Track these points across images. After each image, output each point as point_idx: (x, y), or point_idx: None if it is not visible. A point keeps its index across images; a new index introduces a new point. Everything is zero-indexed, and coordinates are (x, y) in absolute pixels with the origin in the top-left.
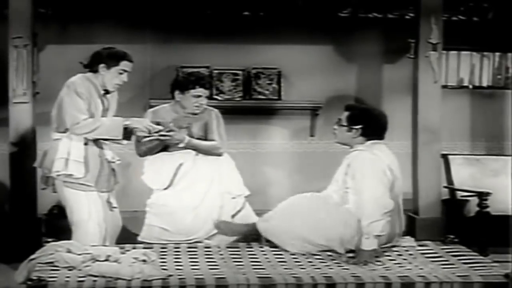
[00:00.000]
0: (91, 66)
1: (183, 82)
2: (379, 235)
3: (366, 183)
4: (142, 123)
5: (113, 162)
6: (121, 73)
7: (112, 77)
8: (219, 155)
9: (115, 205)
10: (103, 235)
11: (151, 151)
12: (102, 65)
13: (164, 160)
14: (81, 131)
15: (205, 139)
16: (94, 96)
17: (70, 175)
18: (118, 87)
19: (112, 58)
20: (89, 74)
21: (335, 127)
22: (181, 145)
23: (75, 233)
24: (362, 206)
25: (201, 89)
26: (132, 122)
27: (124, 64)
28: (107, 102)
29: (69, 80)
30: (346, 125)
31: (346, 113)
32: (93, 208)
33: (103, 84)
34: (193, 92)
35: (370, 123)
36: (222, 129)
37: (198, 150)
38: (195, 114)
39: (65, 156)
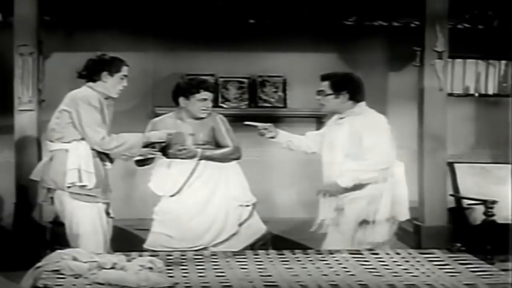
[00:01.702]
0: (91, 75)
1: (187, 88)
2: (359, 181)
3: (379, 140)
4: (162, 135)
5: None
6: (122, 79)
7: (115, 83)
8: (238, 159)
9: (112, 215)
10: (107, 246)
11: (149, 162)
12: (105, 73)
13: (171, 167)
14: (109, 146)
15: (215, 144)
16: (103, 106)
17: (83, 186)
18: (120, 93)
19: (114, 65)
20: (91, 84)
21: (319, 97)
22: (195, 159)
23: (80, 246)
24: (366, 156)
25: (206, 93)
26: (152, 136)
27: (125, 69)
28: (107, 111)
29: (74, 93)
30: (332, 93)
31: (326, 83)
32: (98, 220)
33: (107, 91)
34: (198, 96)
35: (354, 86)
36: (231, 133)
37: (213, 159)
38: (202, 118)
39: (77, 167)
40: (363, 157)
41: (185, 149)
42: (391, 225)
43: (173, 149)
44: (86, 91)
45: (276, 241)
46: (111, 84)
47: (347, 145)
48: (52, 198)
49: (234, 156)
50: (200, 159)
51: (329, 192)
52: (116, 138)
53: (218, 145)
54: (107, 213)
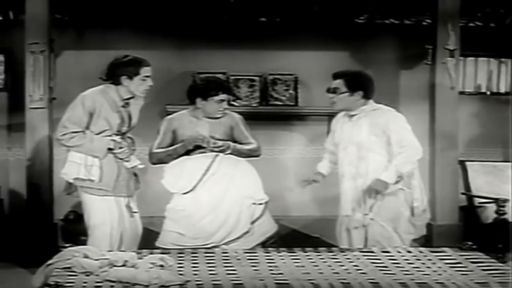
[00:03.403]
0: (111, 77)
1: (205, 89)
2: (401, 174)
3: (409, 135)
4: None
5: (133, 167)
6: (144, 80)
7: (137, 85)
8: (258, 156)
9: (135, 210)
10: (117, 241)
11: (163, 161)
12: (124, 77)
13: (185, 164)
14: (66, 143)
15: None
16: (106, 110)
17: (87, 180)
18: (146, 92)
19: (131, 68)
20: (108, 87)
21: (332, 95)
22: (227, 151)
23: (90, 237)
24: (401, 151)
25: (224, 95)
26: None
27: (145, 71)
28: (126, 114)
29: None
30: (347, 91)
31: (339, 81)
32: (108, 213)
33: (130, 93)
34: (216, 98)
35: (368, 85)
36: (249, 131)
37: (240, 154)
38: (218, 118)
39: (81, 162)
40: (393, 152)
41: (219, 142)
42: (424, 218)
43: (206, 143)
44: (89, 92)
45: (293, 238)
46: (134, 87)
47: (371, 140)
48: (75, 190)
49: (258, 153)
50: (230, 153)
51: (377, 191)
52: (80, 139)
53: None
54: (129, 208)
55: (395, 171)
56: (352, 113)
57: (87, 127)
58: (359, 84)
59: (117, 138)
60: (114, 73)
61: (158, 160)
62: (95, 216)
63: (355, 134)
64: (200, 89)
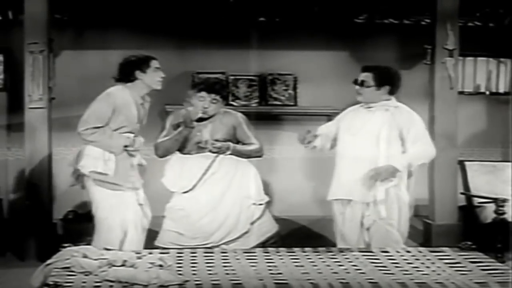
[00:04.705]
0: (126, 76)
1: (192, 86)
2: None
3: (427, 136)
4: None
5: (140, 164)
6: (155, 71)
7: (151, 76)
8: (260, 156)
9: (142, 202)
10: (125, 233)
11: (169, 151)
12: (137, 72)
13: (185, 164)
14: (87, 137)
15: (235, 143)
16: (130, 106)
17: (102, 173)
18: (161, 81)
19: (143, 62)
20: (129, 85)
21: (358, 87)
22: (228, 153)
23: (97, 229)
24: (417, 145)
25: (204, 93)
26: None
27: (154, 63)
28: (143, 111)
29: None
30: (374, 85)
31: (369, 74)
32: (117, 207)
33: (148, 86)
34: (198, 95)
35: (395, 81)
36: (253, 131)
37: (240, 155)
38: (211, 116)
39: (99, 156)
40: (406, 149)
41: (218, 143)
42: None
43: (207, 144)
44: (115, 88)
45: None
46: (148, 80)
47: (384, 133)
48: (82, 183)
49: (260, 153)
50: (231, 154)
51: (383, 176)
52: (100, 134)
53: (238, 143)
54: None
55: (409, 160)
56: (371, 104)
57: (108, 123)
58: (387, 79)
59: (131, 135)
60: (127, 71)
61: (165, 149)
62: (104, 209)
63: (370, 123)
64: (191, 86)
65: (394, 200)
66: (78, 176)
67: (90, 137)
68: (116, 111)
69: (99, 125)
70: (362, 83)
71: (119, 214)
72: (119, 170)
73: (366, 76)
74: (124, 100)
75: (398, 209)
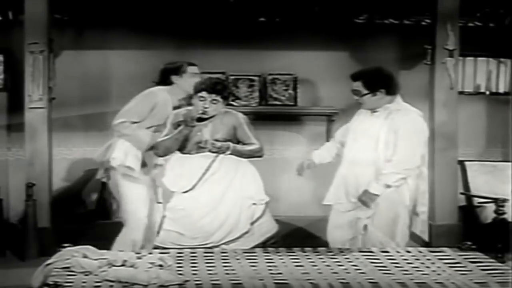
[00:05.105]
0: (164, 80)
1: (194, 85)
2: (388, 185)
3: (408, 140)
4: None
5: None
6: (192, 77)
7: (186, 81)
8: (261, 157)
9: (161, 200)
10: (147, 225)
11: (170, 150)
12: (174, 76)
13: (185, 163)
14: (121, 130)
15: (236, 143)
16: (168, 107)
17: (130, 167)
18: None
19: (179, 68)
20: (167, 88)
21: (356, 98)
22: (227, 152)
23: (126, 221)
24: (392, 157)
25: (205, 93)
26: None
27: (192, 69)
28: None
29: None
30: (368, 92)
31: (358, 83)
32: (142, 201)
33: (184, 90)
34: (198, 94)
35: (387, 81)
36: (253, 131)
37: (241, 155)
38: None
39: (130, 151)
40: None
41: (218, 143)
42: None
43: (207, 144)
44: (156, 88)
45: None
46: (183, 83)
47: (383, 136)
48: (108, 175)
49: (260, 153)
50: (231, 154)
51: (364, 202)
52: (134, 129)
53: (239, 143)
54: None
55: (384, 182)
56: (377, 109)
57: (144, 120)
58: (378, 83)
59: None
60: (165, 75)
61: (166, 148)
62: (131, 202)
63: (372, 127)
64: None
65: (389, 206)
66: (106, 169)
67: (125, 130)
68: (154, 109)
69: (135, 120)
70: (356, 93)
71: (146, 208)
72: (145, 167)
73: (357, 86)
74: (164, 101)
75: (394, 214)
